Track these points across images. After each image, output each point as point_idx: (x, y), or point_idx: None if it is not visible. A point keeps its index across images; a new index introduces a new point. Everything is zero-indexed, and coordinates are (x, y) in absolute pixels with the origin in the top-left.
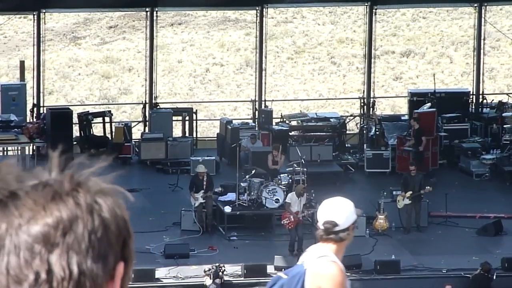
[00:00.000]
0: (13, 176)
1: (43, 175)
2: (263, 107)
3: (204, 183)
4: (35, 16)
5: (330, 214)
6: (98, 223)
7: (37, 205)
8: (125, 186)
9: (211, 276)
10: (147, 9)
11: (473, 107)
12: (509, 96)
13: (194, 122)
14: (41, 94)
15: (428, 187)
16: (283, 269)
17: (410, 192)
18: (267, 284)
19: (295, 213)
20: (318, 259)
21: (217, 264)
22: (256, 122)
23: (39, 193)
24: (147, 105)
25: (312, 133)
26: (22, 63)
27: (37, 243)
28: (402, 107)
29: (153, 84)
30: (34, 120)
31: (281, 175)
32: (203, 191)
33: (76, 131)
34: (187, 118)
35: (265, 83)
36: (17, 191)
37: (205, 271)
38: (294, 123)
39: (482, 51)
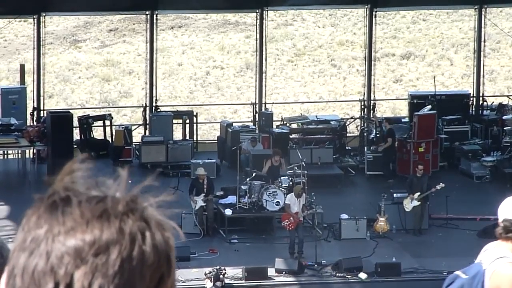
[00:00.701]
0: (79, 179)
1: (106, 189)
2: (263, 110)
3: (205, 186)
4: (35, 19)
5: (511, 212)
6: (135, 254)
7: (82, 218)
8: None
9: (212, 279)
10: (147, 12)
11: (474, 109)
12: (509, 98)
13: (195, 125)
14: (41, 98)
15: (441, 183)
16: (283, 272)
17: (418, 193)
18: (444, 282)
19: (295, 213)
20: (497, 260)
21: (217, 267)
22: (257, 125)
23: (90, 206)
24: (147, 108)
25: (313, 136)
26: (22, 67)
27: (68, 254)
28: (402, 110)
29: (154, 87)
30: (35, 123)
31: (282, 177)
32: (203, 194)
33: (76, 135)
34: (187, 121)
35: (265, 86)
36: (72, 197)
37: (205, 274)
38: (294, 125)
39: (482, 53)
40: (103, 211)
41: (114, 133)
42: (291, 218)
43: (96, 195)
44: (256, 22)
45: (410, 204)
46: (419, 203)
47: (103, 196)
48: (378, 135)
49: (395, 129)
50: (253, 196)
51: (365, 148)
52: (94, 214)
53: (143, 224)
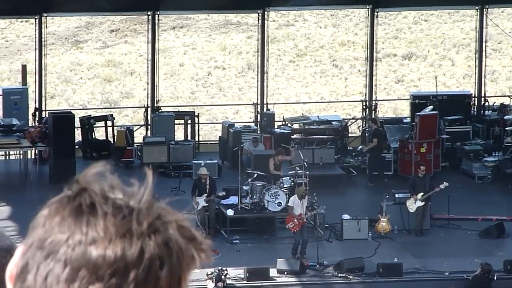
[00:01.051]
0: (105, 183)
1: (132, 195)
2: (265, 110)
3: (207, 186)
4: (37, 20)
5: None
6: (151, 279)
7: (106, 233)
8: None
9: (214, 279)
10: (148, 13)
11: (475, 109)
12: (511, 98)
13: (196, 125)
14: (43, 98)
15: (445, 183)
16: (285, 272)
17: (421, 193)
18: None
19: (299, 215)
20: None
21: (219, 268)
22: (258, 125)
23: (115, 222)
24: (149, 109)
25: (314, 136)
26: (24, 67)
27: (85, 268)
28: (404, 110)
29: (155, 87)
30: (36, 124)
31: (283, 178)
32: (206, 194)
33: (78, 135)
34: (189, 121)
35: (267, 86)
36: (98, 206)
37: (207, 275)
38: (296, 126)
39: (483, 53)
40: (127, 230)
41: (115, 133)
42: (295, 220)
43: (122, 206)
44: (258, 23)
45: (414, 205)
46: (423, 203)
47: (129, 211)
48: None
49: (396, 130)
50: (254, 197)
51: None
52: (118, 232)
53: (163, 250)
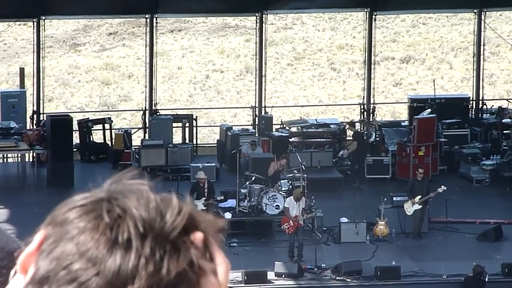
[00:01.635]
0: (144, 208)
1: (165, 214)
2: (263, 113)
3: (205, 190)
4: (35, 23)
5: None
6: None
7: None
8: None
9: None
10: (146, 16)
11: (473, 113)
12: (509, 101)
13: (194, 128)
14: (41, 101)
15: (443, 186)
16: (283, 275)
17: (419, 196)
18: None
19: (294, 217)
20: None
21: None
22: (256, 129)
23: (148, 268)
24: (147, 112)
25: (312, 139)
26: (22, 70)
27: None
28: (402, 113)
29: (153, 90)
30: (34, 127)
31: (281, 181)
32: (204, 198)
33: (76, 138)
34: (187, 124)
35: (265, 90)
36: (133, 244)
37: None
38: (294, 129)
39: (482, 56)
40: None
41: (113, 136)
42: (291, 221)
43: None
44: (256, 26)
45: (411, 207)
46: (420, 206)
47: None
48: (377, 139)
49: (394, 133)
50: (252, 200)
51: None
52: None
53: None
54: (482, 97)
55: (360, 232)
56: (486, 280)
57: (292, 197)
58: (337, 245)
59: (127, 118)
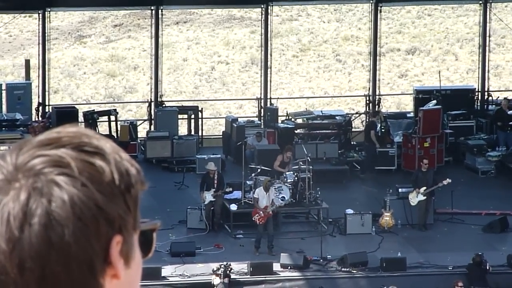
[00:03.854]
0: None
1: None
2: (268, 105)
3: (215, 181)
4: (40, 15)
5: None
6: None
7: None
8: None
9: (221, 275)
10: (152, 8)
11: (479, 104)
12: None
13: (200, 120)
14: (47, 93)
15: (448, 179)
16: (289, 267)
17: (424, 187)
18: None
19: (264, 207)
20: None
21: (225, 263)
22: (262, 120)
23: None
24: (152, 104)
25: (318, 131)
26: (27, 62)
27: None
28: (407, 105)
29: (159, 82)
30: (40, 119)
31: (287, 173)
32: (214, 189)
33: None
34: (192, 116)
35: (270, 81)
36: None
37: (213, 271)
38: (299, 121)
39: (487, 48)
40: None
41: (119, 128)
42: (261, 212)
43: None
44: (261, 17)
45: (415, 198)
46: (425, 197)
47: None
48: (383, 130)
49: (399, 125)
50: None
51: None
52: None
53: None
54: (488, 89)
55: (365, 224)
56: (488, 268)
57: (262, 187)
58: (342, 237)
59: (132, 110)
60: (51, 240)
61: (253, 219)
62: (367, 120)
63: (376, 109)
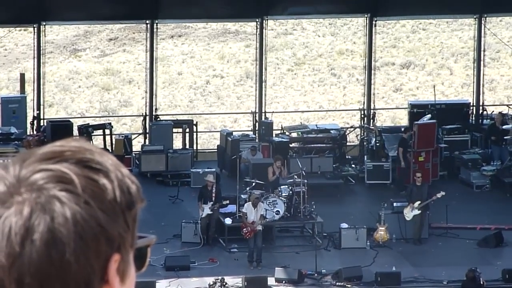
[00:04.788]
0: None
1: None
2: (263, 119)
3: (213, 194)
4: (35, 28)
5: None
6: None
7: None
8: None
9: None
10: (147, 21)
11: (473, 118)
12: (509, 107)
13: (195, 134)
14: (42, 107)
15: (442, 192)
16: (283, 281)
17: (418, 202)
18: None
19: (251, 223)
20: None
21: (219, 278)
22: (257, 134)
23: None
24: (147, 117)
25: (313, 145)
26: (22, 76)
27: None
28: (402, 119)
29: (153, 96)
30: (35, 132)
31: (282, 187)
32: (211, 202)
33: None
34: (187, 130)
35: (265, 95)
36: None
37: (209, 285)
38: (294, 134)
39: (482, 62)
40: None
41: (114, 142)
42: (249, 227)
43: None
44: (256, 31)
45: (410, 213)
46: (420, 212)
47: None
48: (378, 144)
49: (394, 139)
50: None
51: (365, 157)
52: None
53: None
54: (483, 103)
55: (360, 238)
56: (482, 283)
57: (250, 202)
58: (337, 251)
59: (127, 123)
60: (51, 258)
61: (242, 233)
62: (363, 134)
63: (371, 123)
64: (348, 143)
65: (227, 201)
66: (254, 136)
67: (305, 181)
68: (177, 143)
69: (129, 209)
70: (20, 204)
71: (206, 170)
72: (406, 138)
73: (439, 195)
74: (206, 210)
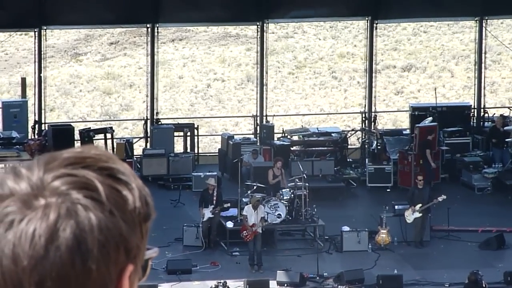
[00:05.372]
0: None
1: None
2: (264, 122)
3: (214, 197)
4: (36, 33)
5: None
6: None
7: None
8: None
9: None
10: (148, 25)
11: (475, 121)
12: (510, 109)
13: (196, 137)
14: (43, 111)
15: (443, 195)
16: (285, 284)
17: (420, 204)
18: None
19: (252, 225)
20: None
21: (222, 281)
22: (258, 137)
23: None
24: (148, 121)
25: (314, 148)
26: (23, 80)
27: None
28: (403, 122)
29: (155, 100)
30: (36, 137)
31: (283, 190)
32: (212, 206)
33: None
34: (188, 133)
35: (266, 98)
36: None
37: None
38: (295, 138)
39: (483, 64)
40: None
41: (115, 146)
42: (249, 229)
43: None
44: (257, 35)
45: (411, 215)
46: (421, 214)
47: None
48: (379, 147)
49: (395, 142)
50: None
51: (366, 160)
52: None
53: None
54: (484, 105)
55: (362, 241)
56: (484, 285)
57: (250, 205)
58: (339, 254)
59: (128, 127)
60: (74, 263)
61: (241, 235)
62: (364, 137)
63: (373, 126)
64: (349, 146)
65: (228, 204)
66: (255, 139)
67: (307, 184)
68: (178, 147)
69: (145, 221)
70: (46, 208)
71: (208, 173)
72: (430, 139)
73: (440, 199)
74: (207, 214)
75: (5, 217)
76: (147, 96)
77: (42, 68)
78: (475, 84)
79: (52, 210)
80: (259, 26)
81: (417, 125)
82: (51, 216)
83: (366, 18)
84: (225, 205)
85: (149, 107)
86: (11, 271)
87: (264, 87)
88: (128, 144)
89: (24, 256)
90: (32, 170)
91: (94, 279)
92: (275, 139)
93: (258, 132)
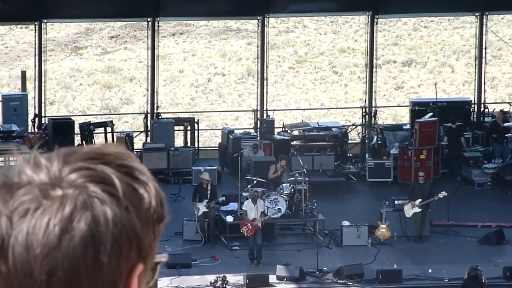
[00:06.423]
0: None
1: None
2: (264, 116)
3: (208, 192)
4: (37, 26)
5: None
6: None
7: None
8: None
9: None
10: (148, 19)
11: (475, 116)
12: (510, 105)
13: (196, 132)
14: (43, 104)
15: (444, 192)
16: (285, 279)
17: (420, 200)
18: None
19: (252, 220)
20: None
21: (221, 276)
22: (258, 132)
23: None
24: (148, 115)
25: (314, 143)
26: (23, 73)
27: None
28: (404, 117)
29: (155, 94)
30: (36, 130)
31: (283, 184)
32: (206, 200)
33: (77, 141)
34: (188, 128)
35: (266, 93)
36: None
37: (210, 283)
38: (295, 132)
39: (483, 60)
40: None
41: (115, 140)
42: (249, 224)
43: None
44: (258, 29)
45: (410, 210)
46: (420, 209)
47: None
48: (379, 142)
49: (396, 137)
50: None
51: (366, 155)
52: None
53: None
54: (484, 101)
55: (361, 236)
56: (484, 281)
57: (250, 199)
58: (338, 249)
59: (128, 121)
60: (86, 255)
61: (241, 231)
62: (364, 132)
63: (373, 121)
64: (349, 141)
65: (223, 198)
66: (255, 134)
67: (307, 179)
68: (179, 141)
69: (159, 222)
70: (63, 199)
71: (208, 167)
72: (454, 127)
73: (440, 196)
74: (202, 208)
75: (21, 205)
76: (147, 90)
77: (42, 62)
78: (475, 80)
79: (69, 201)
80: (259, 21)
81: (417, 120)
82: (67, 207)
83: (367, 13)
84: (220, 199)
85: (149, 101)
86: (23, 259)
87: (265, 81)
88: (128, 138)
89: (37, 245)
90: (52, 161)
91: (104, 273)
92: (276, 133)
93: (258, 126)
